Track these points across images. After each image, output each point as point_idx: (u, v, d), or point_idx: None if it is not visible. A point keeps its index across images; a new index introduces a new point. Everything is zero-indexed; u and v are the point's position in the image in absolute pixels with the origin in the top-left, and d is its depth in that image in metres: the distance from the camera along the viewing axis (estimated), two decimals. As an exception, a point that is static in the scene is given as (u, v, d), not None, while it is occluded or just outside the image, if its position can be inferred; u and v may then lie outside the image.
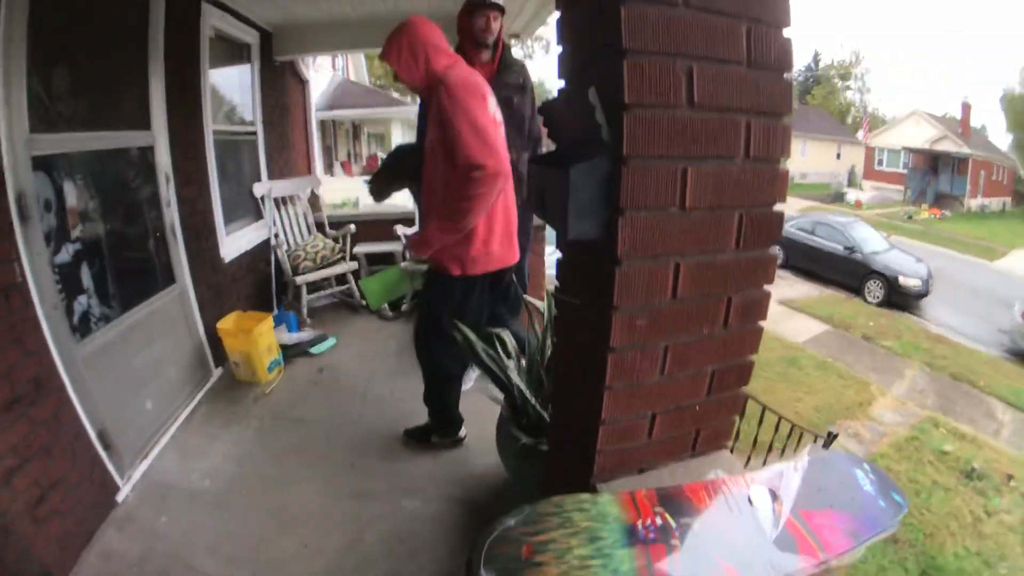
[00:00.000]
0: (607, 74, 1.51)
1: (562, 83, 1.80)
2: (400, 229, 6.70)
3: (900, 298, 17.62)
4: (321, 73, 17.16)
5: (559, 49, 1.77)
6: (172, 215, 4.67)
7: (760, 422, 5.11)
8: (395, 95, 25.33)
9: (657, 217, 1.60)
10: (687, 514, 1.68)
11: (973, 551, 7.45)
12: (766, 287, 1.87)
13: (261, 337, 4.89)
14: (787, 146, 1.70)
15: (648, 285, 1.66)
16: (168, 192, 4.59)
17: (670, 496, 1.74)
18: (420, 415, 4.14)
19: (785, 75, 1.67)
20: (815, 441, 5.12)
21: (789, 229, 19.61)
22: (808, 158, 50.28)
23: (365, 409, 4.55)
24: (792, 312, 15.65)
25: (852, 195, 41.61)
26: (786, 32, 1.65)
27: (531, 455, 2.93)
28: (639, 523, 1.63)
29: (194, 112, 5.12)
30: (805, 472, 1.89)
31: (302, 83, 9.18)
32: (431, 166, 3.44)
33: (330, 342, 5.52)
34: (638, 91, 1.47)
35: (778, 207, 1.77)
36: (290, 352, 5.41)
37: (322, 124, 17.89)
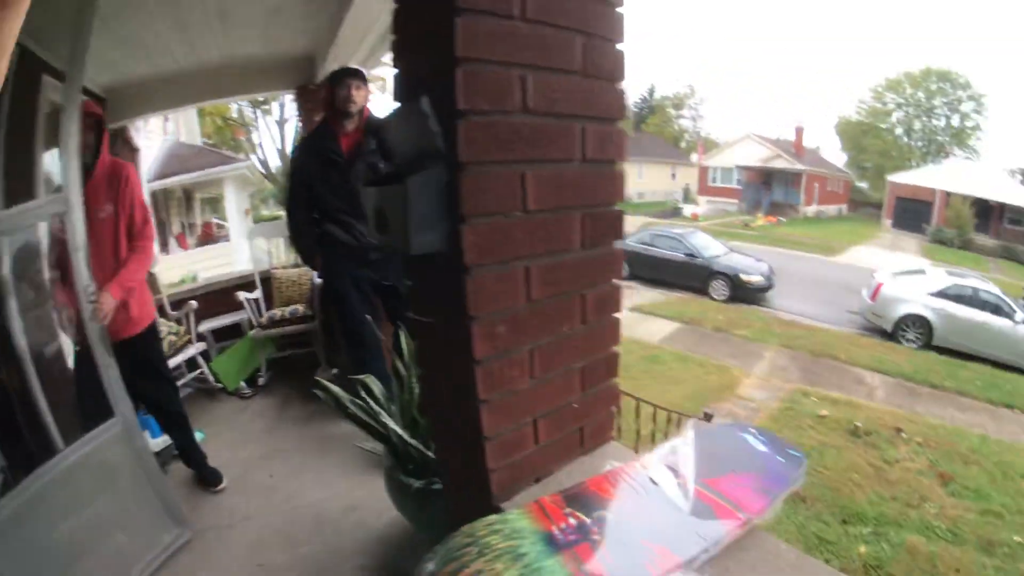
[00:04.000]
0: (442, 84, 1.49)
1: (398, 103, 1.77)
2: (243, 295, 6.27)
3: (745, 293, 18.66)
4: (152, 139, 16.23)
5: (395, 70, 1.77)
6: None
7: (637, 415, 5.32)
8: (227, 152, 24.20)
9: (501, 222, 1.58)
10: (598, 508, 1.61)
11: (887, 496, 7.77)
12: (615, 281, 1.91)
13: None
14: (622, 149, 1.77)
15: (501, 291, 1.63)
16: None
17: (576, 495, 1.67)
18: (307, 489, 4.13)
19: (618, 85, 1.75)
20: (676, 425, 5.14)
21: (630, 243, 20.67)
22: (645, 179, 54.10)
23: (251, 502, 4.20)
24: (644, 316, 16.07)
25: (688, 209, 44.18)
26: (619, 46, 1.73)
27: (427, 497, 2.82)
28: (555, 529, 1.54)
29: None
30: (696, 445, 1.84)
31: (132, 152, 8.27)
32: None
33: (198, 436, 5.17)
34: (472, 98, 1.46)
35: (617, 207, 1.83)
36: (161, 459, 4.91)
37: (154, 196, 16.50)
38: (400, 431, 2.94)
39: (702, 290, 18.97)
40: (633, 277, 20.27)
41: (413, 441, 2.90)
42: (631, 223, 32.88)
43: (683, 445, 1.83)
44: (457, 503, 2.16)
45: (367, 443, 3.27)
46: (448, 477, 2.27)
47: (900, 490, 7.98)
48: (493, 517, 1.61)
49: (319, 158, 4.50)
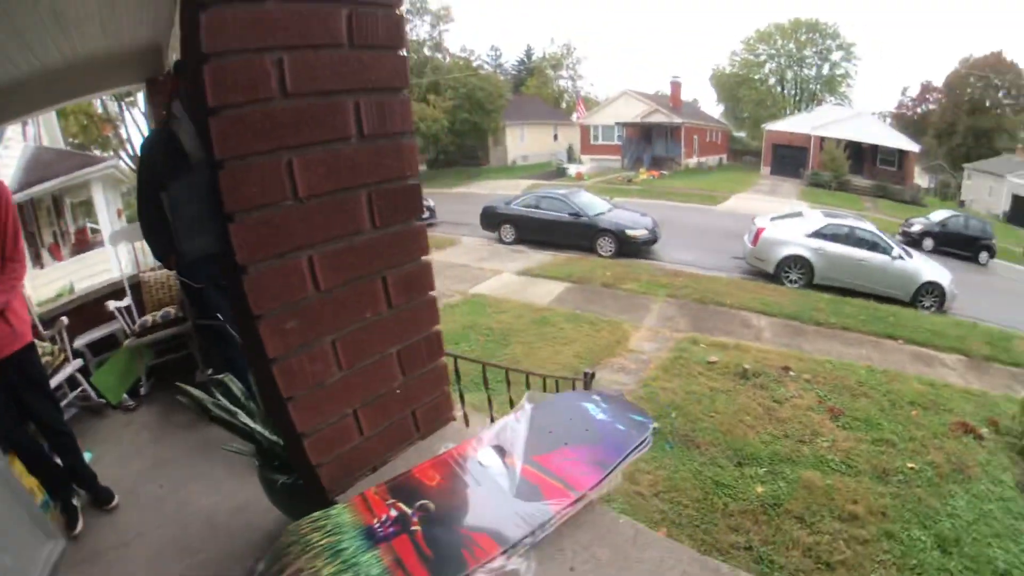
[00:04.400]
0: (193, 83, 1.47)
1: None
2: (112, 304, 5.88)
3: (631, 247, 18.76)
4: (12, 147, 15.25)
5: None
6: None
7: (509, 385, 5.16)
8: (94, 152, 22.89)
9: (271, 215, 1.55)
10: (421, 497, 1.65)
11: (780, 435, 7.88)
12: (423, 258, 1.91)
13: (21, 482, 4.14)
14: (408, 119, 1.74)
15: (284, 285, 1.61)
16: None
17: (400, 485, 1.71)
18: (197, 496, 4.00)
19: (398, 52, 1.71)
20: (573, 387, 5.07)
21: (515, 207, 20.89)
22: (527, 142, 54.08)
23: (144, 516, 4.02)
24: (532, 279, 15.94)
25: (573, 169, 44.00)
26: (397, 11, 1.70)
27: (295, 492, 2.74)
28: (375, 522, 1.58)
29: None
30: (530, 419, 1.90)
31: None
32: None
33: (87, 457, 4.86)
34: (222, 93, 1.42)
35: (413, 180, 1.80)
36: None
37: (20, 208, 15.39)
38: (259, 427, 2.84)
39: (589, 248, 18.99)
40: (520, 241, 20.36)
41: (273, 437, 2.79)
42: (517, 187, 32.90)
43: (515, 422, 1.86)
44: (309, 497, 2.05)
45: (234, 444, 3.08)
46: (297, 470, 2.22)
47: (792, 428, 8.08)
48: (318, 513, 1.62)
49: (166, 151, 4.23)
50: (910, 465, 7.52)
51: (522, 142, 53.49)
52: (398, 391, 1.91)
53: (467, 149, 51.33)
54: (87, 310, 6.34)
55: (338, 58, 1.56)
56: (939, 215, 25.96)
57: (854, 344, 11.88)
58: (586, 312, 13.01)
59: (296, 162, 1.53)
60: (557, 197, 20.27)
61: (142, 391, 5.93)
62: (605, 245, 18.70)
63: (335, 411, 1.77)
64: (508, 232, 20.60)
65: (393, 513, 1.59)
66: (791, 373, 9.78)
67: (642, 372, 9.76)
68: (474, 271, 16.57)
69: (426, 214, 18.79)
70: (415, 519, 1.56)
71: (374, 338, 1.81)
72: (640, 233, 18.54)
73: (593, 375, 5.66)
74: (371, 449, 1.90)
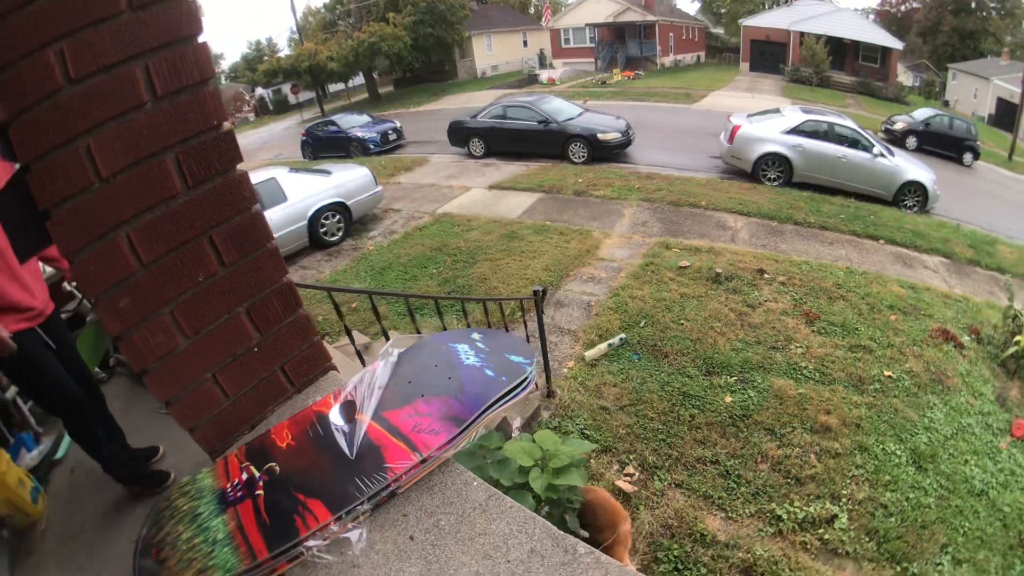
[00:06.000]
0: None
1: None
2: (68, 285, 5.75)
3: (604, 152, 18.40)
4: None
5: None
6: None
7: (465, 315, 4.98)
8: None
9: (82, 201, 1.56)
10: (271, 459, 1.65)
11: (750, 341, 7.76)
12: (253, 208, 1.84)
13: (7, 476, 4.01)
14: (206, 66, 1.65)
15: (108, 267, 1.61)
16: None
17: (255, 447, 1.73)
18: (175, 452, 4.05)
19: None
20: (522, 307, 4.81)
21: (483, 119, 20.32)
22: (495, 52, 53.37)
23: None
24: (503, 192, 15.67)
25: (545, 75, 43.24)
26: None
27: None
28: (228, 486, 1.61)
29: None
30: (394, 367, 1.85)
31: None
32: None
33: (66, 439, 4.66)
34: (14, 102, 1.44)
35: (222, 128, 1.70)
36: (42, 471, 4.66)
37: None
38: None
39: (561, 156, 18.68)
40: (490, 154, 20.09)
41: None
42: (487, 98, 32.34)
43: (371, 374, 1.79)
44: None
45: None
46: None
47: (765, 334, 7.94)
48: (186, 479, 1.70)
49: None
50: (887, 373, 7.42)
51: (490, 52, 52.74)
52: (256, 349, 1.91)
53: (433, 65, 50.63)
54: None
55: (118, 27, 1.50)
56: (923, 113, 25.64)
57: (834, 244, 11.72)
58: (557, 223, 12.83)
59: (92, 144, 1.52)
60: (524, 105, 19.69)
61: (111, 362, 5.88)
62: (577, 151, 18.30)
63: (192, 377, 1.78)
64: (477, 146, 20.25)
65: (244, 476, 1.60)
66: (766, 276, 9.62)
67: (612, 281, 9.59)
68: (443, 190, 16.25)
69: (393, 136, 18.54)
70: (260, 483, 1.57)
71: (214, 300, 1.79)
72: (612, 137, 18.08)
73: (544, 292, 5.43)
74: (243, 409, 1.91)
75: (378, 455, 1.56)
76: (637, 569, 4.66)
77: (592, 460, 5.88)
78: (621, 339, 7.70)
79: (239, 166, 1.77)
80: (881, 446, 6.28)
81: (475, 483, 1.62)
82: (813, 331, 8.16)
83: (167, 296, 1.69)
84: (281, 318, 1.95)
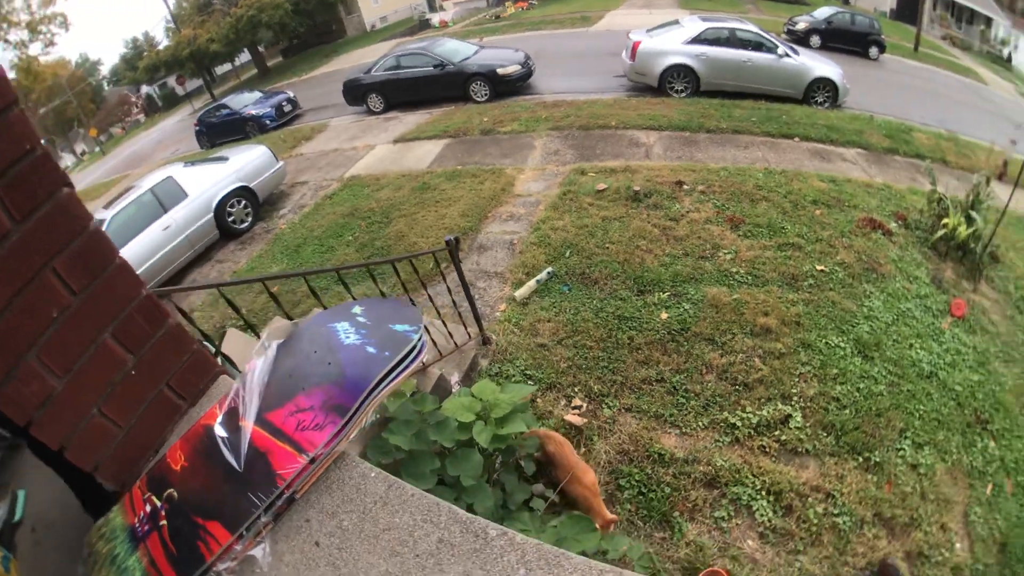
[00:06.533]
0: None
1: None
2: None
3: (506, 87, 18.05)
4: None
5: None
6: None
7: (375, 281, 4.82)
8: None
9: None
10: (169, 485, 1.54)
11: (678, 254, 7.70)
12: (90, 226, 1.64)
13: None
14: (7, 90, 1.39)
15: None
16: None
17: (154, 475, 1.61)
18: None
19: None
20: (435, 261, 4.62)
21: (377, 73, 19.79)
22: (381, 3, 51.87)
23: None
24: (409, 144, 15.20)
25: (436, 18, 42.13)
26: None
27: None
28: (136, 520, 1.51)
29: None
30: (273, 362, 1.70)
31: None
32: None
33: (21, 495, 4.28)
34: None
35: (36, 152, 1.48)
36: (6, 538, 4.11)
37: None
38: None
39: (464, 97, 18.25)
40: (390, 107, 19.51)
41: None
42: (380, 51, 31.66)
43: (251, 375, 1.64)
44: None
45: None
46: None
47: (691, 244, 7.89)
48: (100, 521, 1.59)
49: None
50: (820, 268, 7.45)
51: (376, 3, 51.53)
52: (134, 372, 1.75)
53: (320, 26, 49.41)
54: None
55: None
56: (824, 12, 25.68)
57: (749, 147, 11.72)
58: (468, 166, 12.58)
59: None
60: (418, 52, 19.22)
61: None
62: (479, 90, 17.98)
63: (79, 416, 1.64)
64: (376, 102, 19.70)
65: (148, 508, 1.51)
66: (685, 187, 9.56)
67: (532, 216, 9.42)
68: (347, 153, 15.76)
69: (288, 107, 18.08)
70: (163, 512, 1.47)
71: (76, 333, 1.63)
72: (513, 70, 17.78)
73: (457, 241, 5.21)
74: (139, 436, 1.79)
75: (266, 463, 1.44)
76: (604, 501, 4.56)
77: (538, 399, 5.76)
78: (549, 273, 7.55)
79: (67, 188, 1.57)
80: (824, 340, 6.30)
81: (372, 474, 1.55)
82: (739, 235, 8.14)
83: (26, 341, 1.53)
84: (150, 334, 1.81)
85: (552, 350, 6.34)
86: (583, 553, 3.90)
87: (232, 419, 1.57)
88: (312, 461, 1.44)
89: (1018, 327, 7.80)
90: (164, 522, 1.44)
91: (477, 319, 6.21)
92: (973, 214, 8.42)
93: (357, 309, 1.85)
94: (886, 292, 7.21)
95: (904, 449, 5.45)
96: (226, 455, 1.49)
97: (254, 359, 1.69)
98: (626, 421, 5.52)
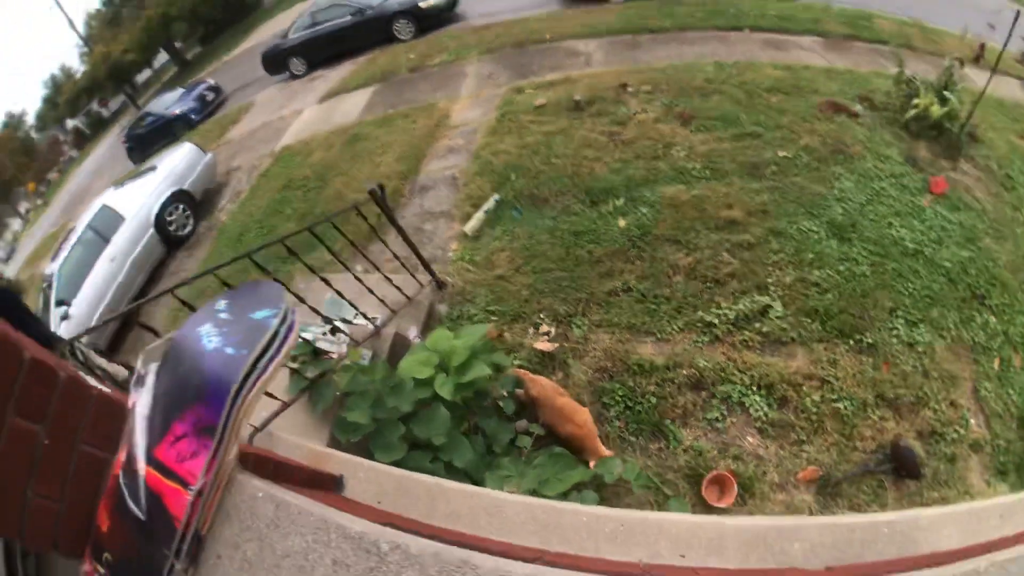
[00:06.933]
0: None
1: None
2: None
3: (431, 20, 17.52)
4: None
5: None
6: None
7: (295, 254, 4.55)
8: None
9: None
10: (104, 548, 1.50)
11: (629, 158, 7.45)
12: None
13: None
14: None
15: None
16: None
17: (95, 540, 1.53)
18: None
19: None
20: (358, 212, 4.29)
21: (295, 35, 19.39)
22: None
23: None
24: (336, 100, 14.84)
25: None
26: None
27: None
28: None
29: None
30: (153, 393, 1.58)
31: None
32: None
33: None
34: None
35: None
36: None
37: None
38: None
39: (389, 39, 17.60)
40: (314, 67, 18.98)
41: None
42: (300, 11, 31.07)
43: (138, 415, 1.58)
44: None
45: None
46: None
47: (641, 147, 7.65)
48: None
49: None
50: (782, 154, 7.21)
51: (289, -37, 49.99)
52: (48, 441, 1.62)
53: (231, 4, 47.43)
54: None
55: None
56: None
57: (696, 43, 11.39)
58: (399, 107, 12.20)
59: None
60: (332, 3, 18.63)
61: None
62: (403, 29, 17.42)
63: (16, 503, 1.56)
64: (298, 65, 19.18)
65: None
66: (629, 89, 9.23)
67: (471, 145, 9.09)
68: (275, 125, 15.19)
69: (211, 96, 17.69)
70: None
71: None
72: (434, 1, 17.27)
73: (382, 188, 4.87)
74: (79, 502, 1.67)
75: (161, 507, 1.42)
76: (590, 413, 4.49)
77: (506, 333, 5.54)
78: (496, 200, 7.22)
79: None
80: (795, 226, 6.10)
81: (259, 495, 1.54)
82: (691, 131, 7.86)
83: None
84: (48, 396, 1.63)
85: (511, 280, 6.08)
86: (576, 487, 3.84)
87: (131, 463, 1.53)
88: (200, 494, 1.40)
89: (1005, 204, 7.58)
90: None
91: (425, 264, 5.89)
92: (947, 94, 8.15)
93: (221, 304, 1.76)
94: (856, 172, 6.98)
95: (897, 328, 5.28)
96: (131, 506, 1.46)
97: (134, 392, 1.61)
98: (598, 338, 5.33)
